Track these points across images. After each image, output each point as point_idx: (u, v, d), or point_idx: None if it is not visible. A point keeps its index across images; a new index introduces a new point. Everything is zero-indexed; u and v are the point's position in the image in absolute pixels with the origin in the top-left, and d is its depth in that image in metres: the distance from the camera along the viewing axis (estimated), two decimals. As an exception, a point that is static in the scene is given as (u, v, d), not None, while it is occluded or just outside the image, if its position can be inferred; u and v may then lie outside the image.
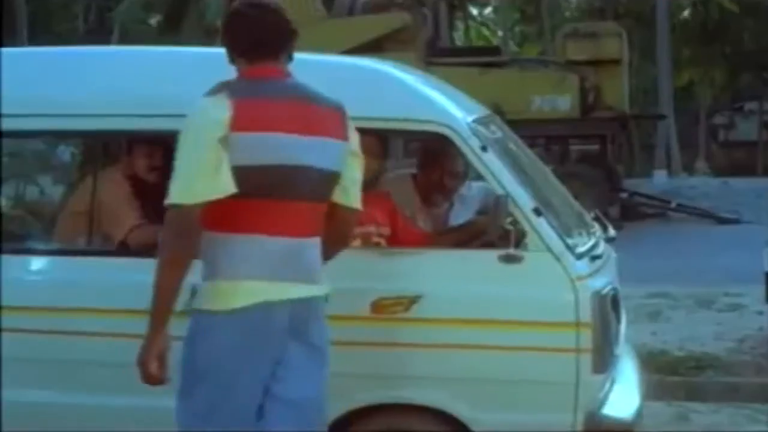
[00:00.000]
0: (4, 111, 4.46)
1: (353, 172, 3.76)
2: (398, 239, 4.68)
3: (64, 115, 4.54)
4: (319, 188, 3.64)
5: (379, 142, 4.61)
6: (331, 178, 3.67)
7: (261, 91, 3.58)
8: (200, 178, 3.41)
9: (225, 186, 3.41)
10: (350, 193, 3.76)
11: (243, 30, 3.66)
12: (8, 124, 4.51)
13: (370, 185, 4.54)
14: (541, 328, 4.25)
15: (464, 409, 4.28)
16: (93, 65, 4.80)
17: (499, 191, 4.25)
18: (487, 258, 4.28)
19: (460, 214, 5.34)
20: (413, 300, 4.23)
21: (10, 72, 4.55)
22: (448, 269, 4.34)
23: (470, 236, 4.65)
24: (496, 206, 4.17)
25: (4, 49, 4.77)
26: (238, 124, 3.44)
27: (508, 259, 4.22)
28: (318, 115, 3.64)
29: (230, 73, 3.68)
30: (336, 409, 4.14)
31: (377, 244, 4.60)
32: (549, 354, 4.24)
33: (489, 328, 4.26)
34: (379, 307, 4.24)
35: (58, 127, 4.67)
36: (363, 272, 4.27)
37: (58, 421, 4.42)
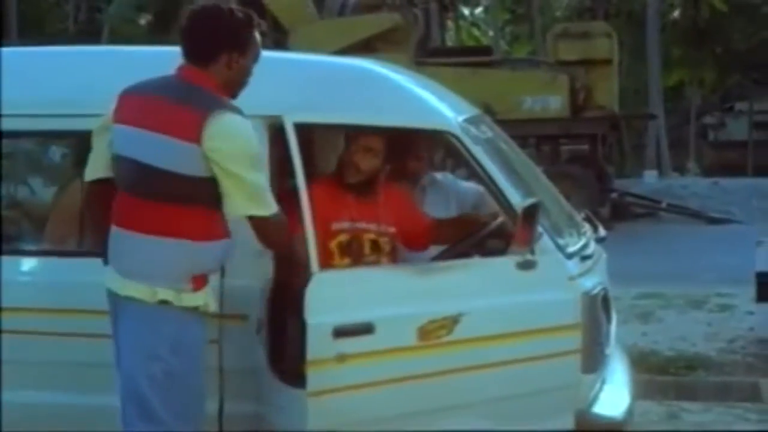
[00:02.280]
0: None
1: (225, 180, 3.70)
2: (409, 234, 4.62)
3: (54, 115, 4.52)
4: (141, 183, 3.73)
5: (379, 140, 4.59)
6: (167, 177, 3.67)
7: (143, 86, 3.83)
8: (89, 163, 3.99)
9: (88, 172, 3.96)
10: (229, 202, 3.74)
11: None
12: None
13: (371, 183, 4.57)
14: (552, 333, 4.19)
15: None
16: (84, 64, 4.78)
17: (506, 194, 4.21)
18: (505, 266, 4.15)
19: (435, 202, 5.25)
20: (456, 320, 4.03)
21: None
22: (477, 281, 4.15)
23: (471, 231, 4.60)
24: (530, 214, 4.00)
25: None
26: (114, 116, 3.83)
27: (525, 266, 4.14)
28: (165, 112, 3.72)
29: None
30: None
31: (375, 242, 4.51)
32: (556, 359, 4.20)
33: (517, 339, 4.14)
34: (425, 332, 3.98)
35: (48, 127, 4.65)
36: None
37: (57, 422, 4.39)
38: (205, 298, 3.82)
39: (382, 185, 4.64)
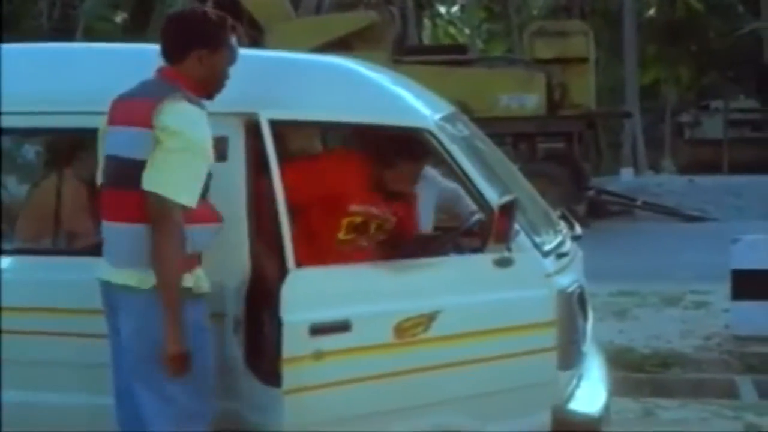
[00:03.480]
0: None
1: (154, 152, 3.77)
2: (402, 230, 4.67)
3: (31, 112, 4.49)
4: (115, 174, 3.91)
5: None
6: (131, 165, 3.80)
7: (129, 91, 3.99)
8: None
9: (97, 177, 4.12)
10: (144, 173, 3.77)
11: None
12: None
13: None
14: (528, 330, 4.20)
15: (477, 427, 4.18)
16: (62, 62, 4.75)
17: (482, 191, 4.22)
18: (482, 263, 4.15)
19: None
20: (432, 317, 4.03)
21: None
22: (454, 278, 4.15)
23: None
24: (507, 211, 4.01)
25: None
26: (106, 121, 4.02)
27: (502, 263, 4.15)
28: (131, 107, 3.88)
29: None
30: None
31: (379, 226, 4.54)
32: (532, 356, 4.21)
33: (493, 336, 4.15)
34: (401, 329, 3.98)
35: (24, 124, 4.61)
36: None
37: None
38: (195, 280, 3.86)
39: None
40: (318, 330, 3.82)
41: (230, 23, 4.08)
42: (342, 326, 3.86)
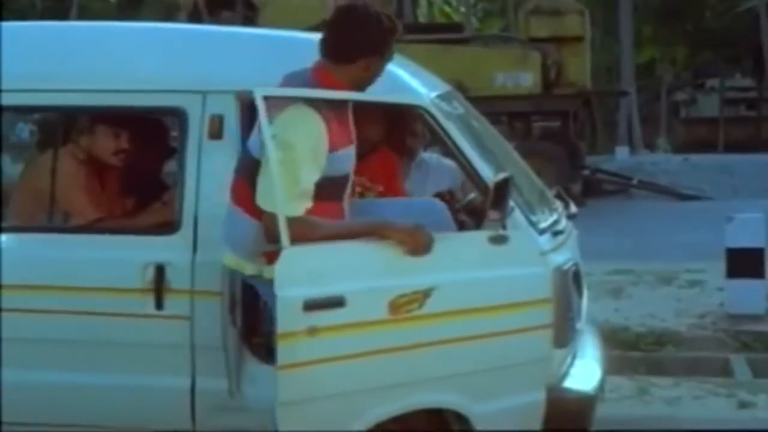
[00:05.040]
0: None
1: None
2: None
3: (28, 90, 4.49)
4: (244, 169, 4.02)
5: (375, 110, 4.65)
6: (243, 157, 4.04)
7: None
8: None
9: None
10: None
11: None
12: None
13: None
14: (523, 307, 4.20)
15: (469, 404, 4.18)
16: (61, 40, 4.75)
17: (478, 169, 4.23)
18: (478, 240, 4.16)
19: (416, 180, 5.31)
20: (427, 294, 4.02)
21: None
22: (449, 255, 4.11)
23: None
24: (501, 188, 4.02)
25: None
26: None
27: (497, 240, 4.14)
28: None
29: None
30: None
31: (361, 195, 4.62)
32: (527, 333, 4.21)
33: (488, 314, 4.14)
34: (396, 305, 3.97)
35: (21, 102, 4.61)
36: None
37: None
38: None
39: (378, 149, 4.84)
40: (312, 306, 3.83)
41: (398, 27, 4.08)
42: (336, 302, 3.85)
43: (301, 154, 3.76)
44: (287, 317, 3.77)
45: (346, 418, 3.93)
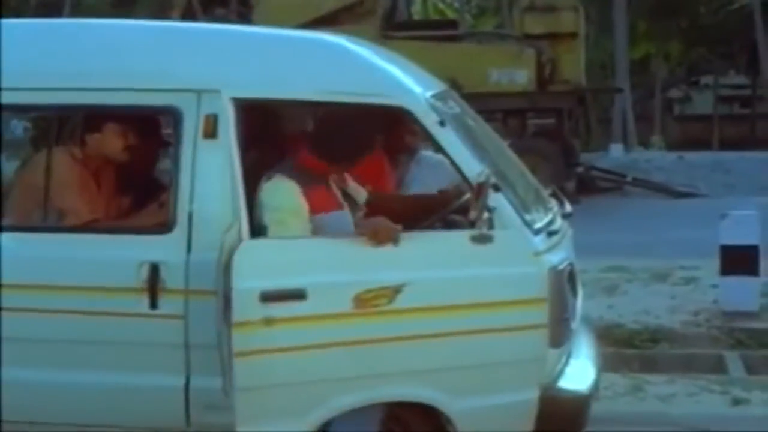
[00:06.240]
0: None
1: None
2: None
3: (20, 88, 4.48)
4: None
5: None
6: None
7: None
8: None
9: None
10: None
11: None
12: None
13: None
14: (516, 307, 4.22)
15: (447, 400, 4.22)
16: (54, 37, 4.74)
17: (465, 169, 4.24)
18: (457, 239, 4.20)
19: (416, 177, 5.33)
20: (397, 290, 4.09)
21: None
22: (421, 253, 4.18)
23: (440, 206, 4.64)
24: (481, 187, 4.06)
25: None
26: None
27: (480, 240, 4.16)
28: None
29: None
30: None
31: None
32: (518, 332, 4.23)
33: (468, 312, 4.17)
34: (361, 300, 4.06)
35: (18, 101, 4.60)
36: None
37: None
38: None
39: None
40: (268, 297, 3.93)
41: None
42: (296, 294, 3.96)
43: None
44: (243, 307, 3.90)
45: (307, 406, 4.04)
